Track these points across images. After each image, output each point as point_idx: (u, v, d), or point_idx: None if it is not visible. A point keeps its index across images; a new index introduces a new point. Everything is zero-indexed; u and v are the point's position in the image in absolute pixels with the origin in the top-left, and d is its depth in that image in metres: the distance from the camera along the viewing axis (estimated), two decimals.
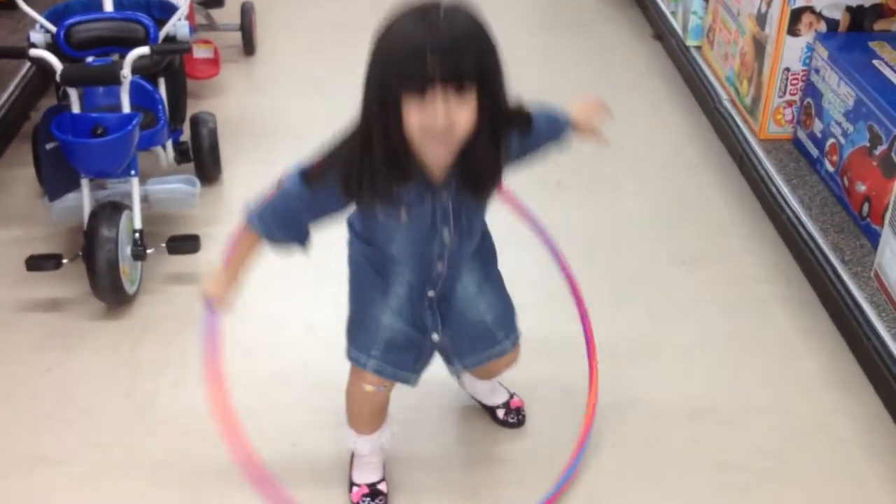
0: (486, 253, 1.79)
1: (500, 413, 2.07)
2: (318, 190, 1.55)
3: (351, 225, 1.73)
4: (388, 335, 1.73)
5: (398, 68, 1.40)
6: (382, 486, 1.91)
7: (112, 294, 2.34)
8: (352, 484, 1.92)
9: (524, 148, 1.68)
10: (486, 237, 1.78)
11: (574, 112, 1.79)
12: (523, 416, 2.08)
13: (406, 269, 1.68)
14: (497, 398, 2.09)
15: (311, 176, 1.56)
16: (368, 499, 1.89)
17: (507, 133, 1.54)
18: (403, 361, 1.76)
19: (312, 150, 3.11)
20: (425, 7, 1.41)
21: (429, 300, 1.72)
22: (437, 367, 1.85)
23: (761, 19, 2.85)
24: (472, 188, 1.57)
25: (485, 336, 1.81)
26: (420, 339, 1.76)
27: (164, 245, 2.45)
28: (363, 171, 1.49)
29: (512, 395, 2.09)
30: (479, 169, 1.53)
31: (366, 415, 1.87)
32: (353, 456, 1.94)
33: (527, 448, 2.04)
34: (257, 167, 2.99)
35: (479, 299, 1.77)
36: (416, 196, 1.56)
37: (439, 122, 1.41)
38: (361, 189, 1.51)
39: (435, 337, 1.76)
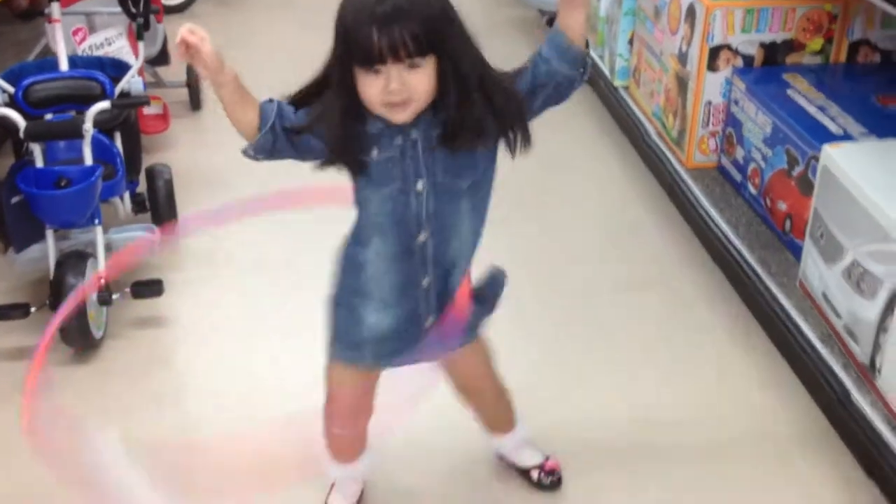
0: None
1: (535, 474, 2.08)
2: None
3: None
4: (377, 334, 1.71)
5: (349, 44, 1.45)
6: None
7: (80, 339, 2.42)
8: None
9: (541, 81, 1.59)
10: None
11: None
12: (559, 478, 2.07)
13: (387, 239, 1.63)
14: (530, 459, 2.09)
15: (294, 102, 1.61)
16: None
17: (485, 90, 1.52)
18: (399, 348, 1.73)
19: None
20: None
21: (424, 290, 1.68)
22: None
23: (682, 58, 3.06)
24: (443, 139, 1.56)
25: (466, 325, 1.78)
26: (412, 328, 1.72)
27: (128, 290, 2.54)
28: (329, 123, 1.54)
29: (547, 457, 2.09)
30: (451, 124, 1.53)
31: (341, 448, 1.94)
32: (332, 484, 2.02)
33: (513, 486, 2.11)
34: None
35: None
36: (385, 132, 1.56)
37: (394, 92, 1.46)
38: (330, 135, 1.55)
39: (430, 321, 1.72)
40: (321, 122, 1.56)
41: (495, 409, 2.02)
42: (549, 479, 2.08)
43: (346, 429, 1.88)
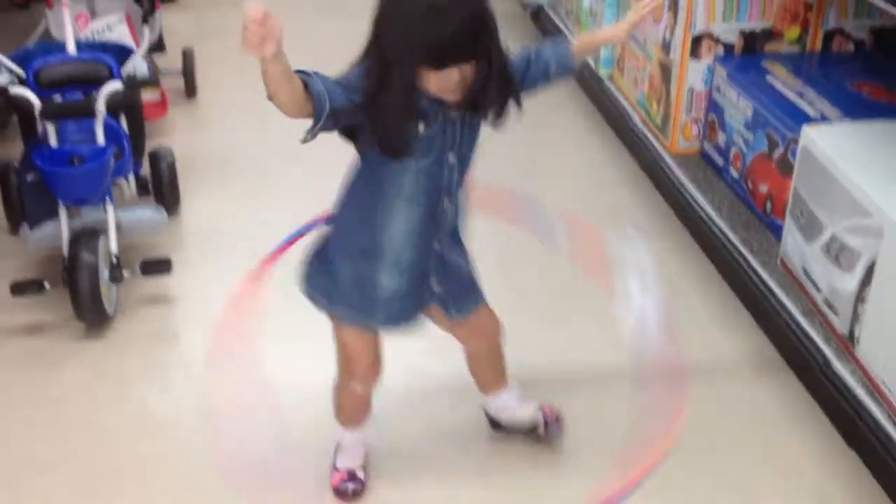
0: (462, 213, 1.90)
1: (542, 430, 2.19)
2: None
3: (361, 167, 1.81)
4: (389, 295, 1.84)
5: (415, 54, 1.60)
6: (360, 473, 2.10)
7: (94, 315, 2.51)
8: (334, 469, 2.11)
9: (533, 76, 1.86)
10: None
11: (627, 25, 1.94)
12: (562, 424, 2.18)
13: (415, 207, 1.78)
14: (528, 410, 2.18)
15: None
16: (348, 483, 2.08)
17: (506, 66, 1.74)
18: (408, 310, 1.89)
19: (262, 177, 3.29)
20: None
21: (435, 253, 1.85)
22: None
23: (666, 46, 3.19)
24: (479, 112, 1.76)
25: (469, 285, 1.96)
26: (420, 288, 1.88)
27: (137, 268, 2.62)
28: (382, 108, 1.66)
29: (541, 407, 2.19)
30: (484, 97, 1.72)
31: (350, 411, 2.06)
32: (337, 444, 2.13)
33: (511, 446, 2.22)
34: (212, 197, 3.21)
35: (460, 254, 1.93)
36: (431, 108, 1.71)
37: (455, 84, 1.64)
38: (383, 120, 1.68)
39: (434, 286, 1.89)
40: (378, 105, 1.67)
41: (492, 361, 2.14)
42: (555, 428, 2.18)
43: (366, 383, 2.00)
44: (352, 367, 1.97)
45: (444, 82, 1.65)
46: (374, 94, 1.66)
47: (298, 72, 1.65)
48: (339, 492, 2.08)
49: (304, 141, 1.69)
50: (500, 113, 1.77)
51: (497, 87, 1.71)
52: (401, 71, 1.63)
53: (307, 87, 1.63)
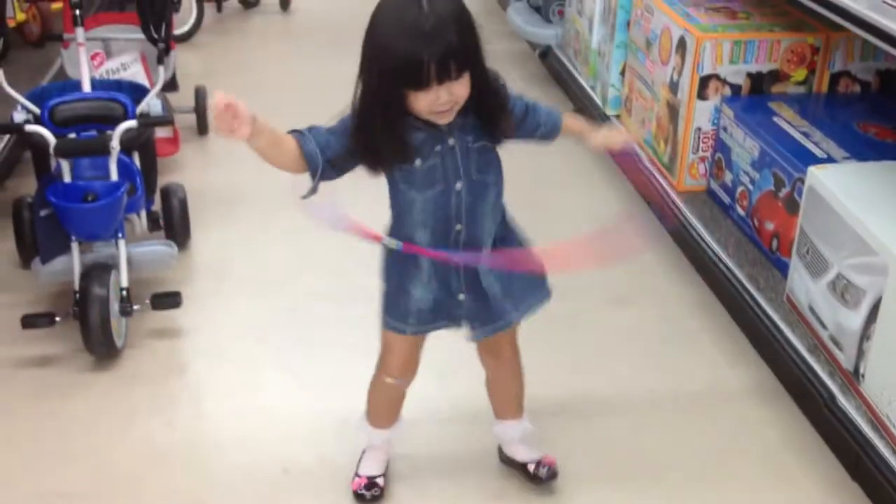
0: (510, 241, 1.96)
1: (531, 467, 2.19)
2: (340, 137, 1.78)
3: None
4: (419, 306, 1.93)
5: (398, 75, 1.64)
6: (380, 480, 2.16)
7: (104, 348, 2.52)
8: (355, 475, 2.17)
9: (527, 127, 1.93)
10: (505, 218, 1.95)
11: (597, 138, 2.08)
12: (555, 472, 2.18)
13: (428, 232, 1.84)
14: (527, 454, 2.21)
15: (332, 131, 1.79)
16: (366, 489, 2.13)
17: (492, 83, 1.78)
18: (437, 320, 1.97)
19: (271, 213, 3.30)
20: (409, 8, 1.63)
21: (458, 271, 1.90)
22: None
23: (674, 87, 3.22)
24: (481, 127, 1.80)
25: (496, 311, 1.97)
26: (448, 301, 1.94)
27: (147, 302, 2.65)
28: (374, 136, 1.73)
29: (542, 457, 2.20)
30: (483, 112, 1.78)
31: (383, 408, 2.13)
32: (363, 452, 2.19)
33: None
34: (222, 232, 3.23)
35: (496, 278, 1.94)
36: (426, 141, 1.77)
37: (443, 103, 1.68)
38: (376, 150, 1.75)
39: (461, 297, 1.94)
40: (368, 141, 1.74)
41: (509, 385, 2.17)
42: (545, 472, 2.18)
43: (398, 380, 2.07)
44: (387, 361, 2.06)
45: (431, 103, 1.68)
46: (362, 115, 1.72)
47: (293, 131, 1.75)
48: (358, 496, 2.14)
49: (305, 197, 1.77)
50: (495, 131, 1.82)
51: (487, 104, 1.78)
52: (385, 90, 1.68)
53: (300, 146, 1.73)
